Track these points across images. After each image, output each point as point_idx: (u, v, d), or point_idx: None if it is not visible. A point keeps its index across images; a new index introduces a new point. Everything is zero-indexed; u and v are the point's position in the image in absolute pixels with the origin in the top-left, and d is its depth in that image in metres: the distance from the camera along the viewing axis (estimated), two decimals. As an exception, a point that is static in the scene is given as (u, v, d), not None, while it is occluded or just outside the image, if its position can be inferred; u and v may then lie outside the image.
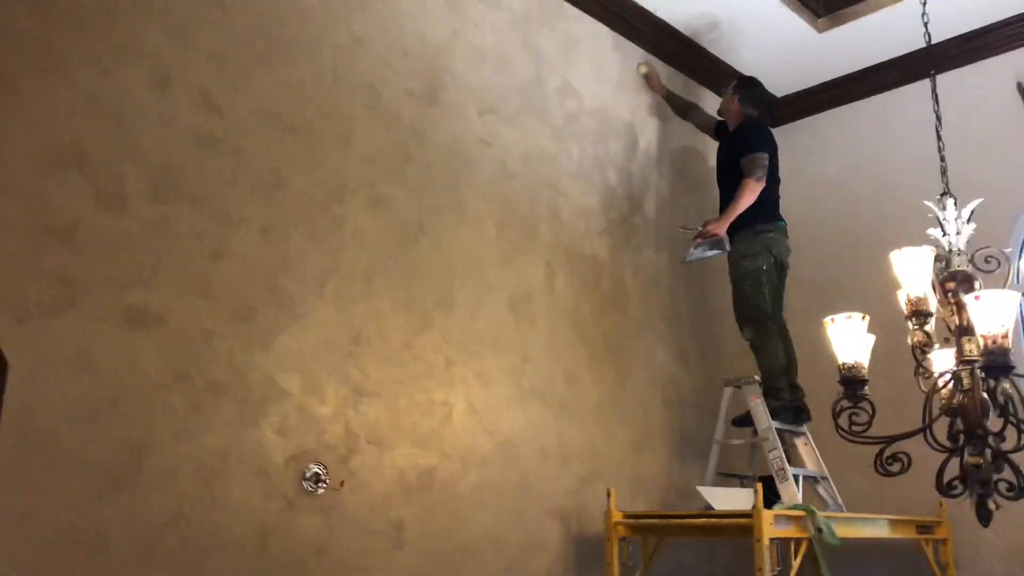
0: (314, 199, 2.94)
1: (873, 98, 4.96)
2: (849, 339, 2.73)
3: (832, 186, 5.01)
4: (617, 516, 3.34)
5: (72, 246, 2.38)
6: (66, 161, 2.41)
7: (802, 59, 4.80)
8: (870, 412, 2.75)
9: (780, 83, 5.07)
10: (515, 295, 3.55)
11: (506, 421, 3.39)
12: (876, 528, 3.55)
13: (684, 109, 4.56)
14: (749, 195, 3.90)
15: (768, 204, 4.07)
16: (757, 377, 3.80)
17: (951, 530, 3.83)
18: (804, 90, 5.14)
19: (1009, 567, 3.83)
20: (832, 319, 2.76)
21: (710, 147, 4.79)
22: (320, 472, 2.77)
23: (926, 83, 4.55)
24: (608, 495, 3.39)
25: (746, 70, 4.91)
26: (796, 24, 4.48)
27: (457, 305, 3.32)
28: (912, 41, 4.39)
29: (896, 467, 2.85)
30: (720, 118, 4.42)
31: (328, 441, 2.83)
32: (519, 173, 3.69)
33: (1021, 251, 4.28)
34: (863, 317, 2.71)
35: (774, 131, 5.29)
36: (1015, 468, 2.58)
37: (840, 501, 3.77)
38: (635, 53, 4.45)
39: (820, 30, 4.54)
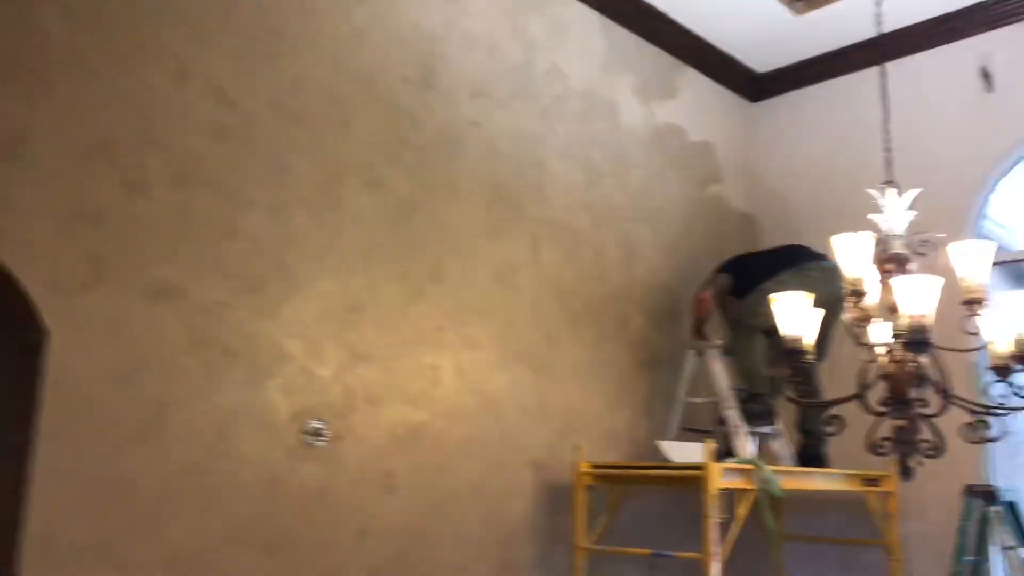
0: (316, 181, 3.25)
1: (851, 75, 5.18)
2: (793, 314, 3.05)
3: (811, 159, 5.28)
4: (584, 467, 3.71)
5: (102, 228, 2.70)
6: (95, 152, 2.72)
7: (782, 38, 5.03)
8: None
9: (761, 60, 5.31)
10: (502, 267, 3.87)
11: (491, 382, 3.73)
12: (823, 481, 3.90)
13: None
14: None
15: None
16: (718, 341, 4.14)
17: (898, 484, 4.18)
18: (785, 67, 5.38)
19: (950, 517, 4.17)
20: (777, 296, 3.09)
21: (691, 124, 5.07)
22: (320, 427, 3.12)
23: (899, 64, 4.84)
24: (576, 448, 3.75)
25: (727, 47, 5.17)
26: (774, 7, 4.71)
27: (448, 276, 3.64)
28: (888, 23, 4.62)
29: (832, 428, 3.21)
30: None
31: (328, 400, 3.18)
32: (508, 153, 3.98)
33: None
34: (806, 295, 3.03)
35: (756, 106, 5.59)
36: (935, 430, 2.93)
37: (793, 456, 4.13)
38: (621, 34, 4.69)
39: (798, 12, 4.77)
